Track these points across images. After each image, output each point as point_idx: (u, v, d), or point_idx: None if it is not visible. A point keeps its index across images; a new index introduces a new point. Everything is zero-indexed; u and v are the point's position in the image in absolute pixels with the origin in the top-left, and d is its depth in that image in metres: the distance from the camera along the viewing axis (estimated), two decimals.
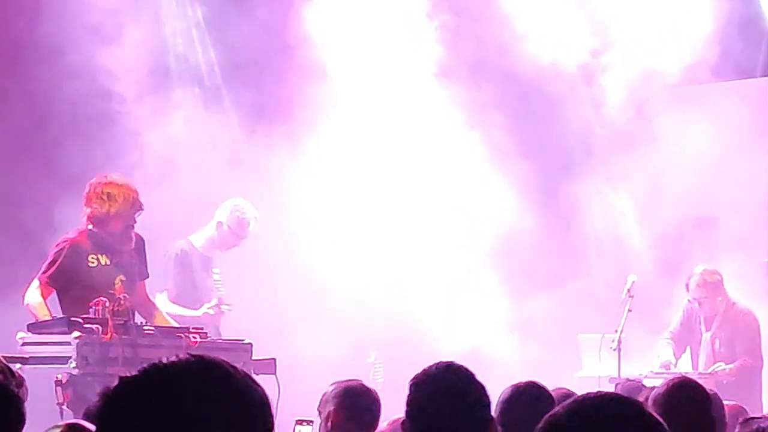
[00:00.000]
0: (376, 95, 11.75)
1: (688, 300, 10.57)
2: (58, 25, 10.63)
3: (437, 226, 11.92)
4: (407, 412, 4.01)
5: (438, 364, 4.09)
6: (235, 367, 2.15)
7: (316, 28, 11.63)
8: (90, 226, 8.35)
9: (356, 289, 11.23)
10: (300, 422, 6.48)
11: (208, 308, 9.80)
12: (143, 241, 8.66)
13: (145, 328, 7.97)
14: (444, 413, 3.93)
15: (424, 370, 4.07)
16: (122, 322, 7.78)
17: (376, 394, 5.87)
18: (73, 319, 7.75)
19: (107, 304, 7.78)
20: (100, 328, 7.66)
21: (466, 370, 4.05)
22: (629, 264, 11.44)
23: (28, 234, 10.37)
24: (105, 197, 8.27)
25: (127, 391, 2.11)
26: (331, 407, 5.75)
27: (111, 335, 7.64)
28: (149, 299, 8.80)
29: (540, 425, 2.70)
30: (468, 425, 3.93)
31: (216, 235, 10.25)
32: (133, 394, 2.11)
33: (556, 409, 2.73)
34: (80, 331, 7.60)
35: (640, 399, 5.47)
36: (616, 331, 9.98)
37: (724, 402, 6.18)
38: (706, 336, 10.56)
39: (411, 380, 4.05)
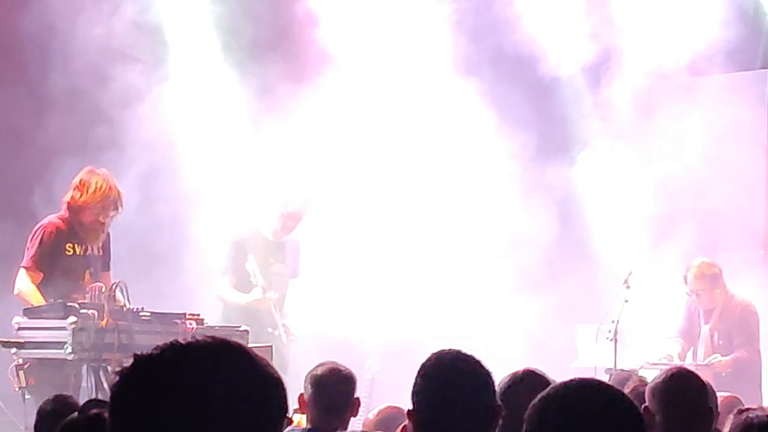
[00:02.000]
0: (381, 82, 11.72)
1: (687, 294, 10.57)
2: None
3: (433, 218, 11.91)
4: (415, 401, 3.99)
5: (446, 351, 4.05)
6: (250, 349, 2.16)
7: (326, 9, 11.59)
8: (67, 214, 8.39)
9: (356, 280, 11.23)
10: (294, 410, 6.48)
11: (258, 294, 9.94)
12: (109, 237, 8.67)
13: (141, 314, 7.97)
14: (454, 401, 3.92)
15: (434, 357, 4.03)
16: (119, 307, 7.78)
17: (347, 378, 5.79)
18: (69, 304, 7.76)
19: (103, 289, 7.79)
20: (96, 313, 7.66)
21: (473, 357, 4.04)
22: (627, 255, 11.43)
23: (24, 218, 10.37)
24: (80, 185, 8.39)
25: (143, 369, 2.10)
26: (303, 394, 5.76)
27: (107, 321, 7.64)
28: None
29: (528, 410, 2.74)
30: (477, 413, 3.92)
31: (276, 221, 10.35)
32: (149, 372, 2.10)
33: (541, 394, 2.77)
34: (76, 317, 7.60)
35: (627, 389, 5.50)
36: (613, 321, 9.98)
37: (720, 393, 6.18)
38: (705, 329, 10.55)
39: (420, 369, 4.01)
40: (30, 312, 7.94)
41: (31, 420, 7.47)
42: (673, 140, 11.51)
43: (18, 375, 7.68)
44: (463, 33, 11.73)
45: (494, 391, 4.03)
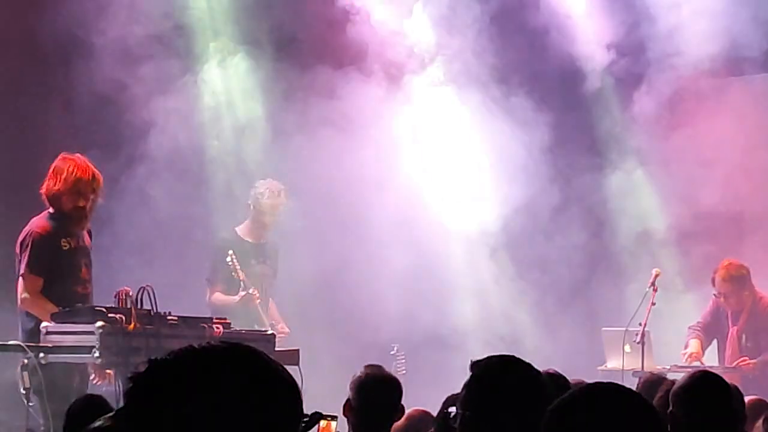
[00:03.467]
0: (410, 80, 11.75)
1: (715, 295, 10.54)
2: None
3: (461, 218, 11.89)
4: (464, 401, 3.97)
5: (502, 356, 4.04)
6: (264, 354, 2.16)
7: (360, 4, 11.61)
8: (51, 208, 8.33)
9: (378, 279, 11.21)
10: (323, 417, 6.44)
11: (244, 293, 10.13)
12: (91, 231, 8.63)
13: (169, 318, 7.96)
14: (507, 407, 3.91)
15: (487, 360, 4.01)
16: (146, 311, 7.79)
17: (391, 383, 5.73)
18: (97, 308, 7.76)
19: (130, 293, 7.79)
20: (124, 318, 7.66)
21: (529, 365, 4.03)
22: (655, 257, 11.39)
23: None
24: (53, 172, 8.30)
25: (157, 373, 2.11)
26: (349, 397, 5.70)
27: (134, 325, 7.64)
28: None
29: (546, 414, 2.75)
30: (527, 414, 3.91)
31: (250, 220, 10.47)
32: (162, 376, 2.10)
33: (560, 399, 2.77)
34: (104, 321, 7.60)
35: (660, 392, 5.47)
36: (640, 324, 9.95)
37: (747, 396, 6.14)
38: (733, 330, 10.51)
39: (473, 371, 3.98)
40: (58, 316, 7.95)
41: (34, 422, 7.52)
42: (701, 140, 11.44)
43: (23, 376, 7.68)
44: (493, 38, 11.71)
45: (545, 392, 4.02)
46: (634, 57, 11.71)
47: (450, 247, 11.85)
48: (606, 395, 2.80)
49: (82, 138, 10.61)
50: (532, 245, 11.75)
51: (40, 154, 10.70)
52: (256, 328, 10.01)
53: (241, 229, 10.61)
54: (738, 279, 10.39)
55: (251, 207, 10.52)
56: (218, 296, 10.35)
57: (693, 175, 11.53)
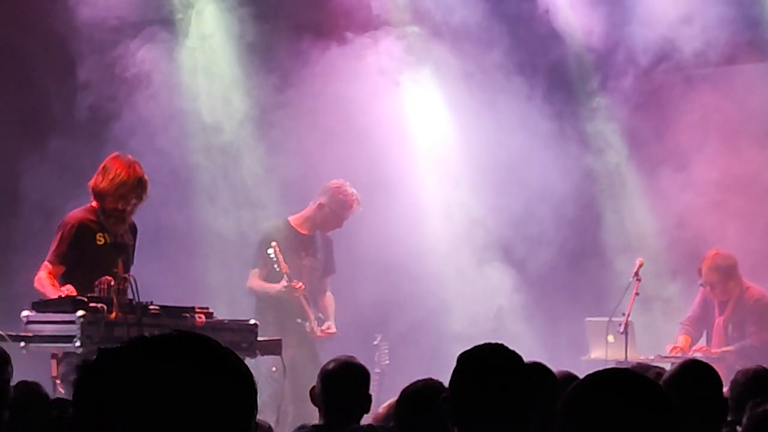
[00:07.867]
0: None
1: (701, 285, 10.54)
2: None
3: (446, 204, 11.87)
4: (452, 387, 4.00)
5: (489, 344, 4.07)
6: (219, 344, 2.10)
7: None
8: (94, 202, 8.34)
9: (359, 269, 11.18)
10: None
11: (285, 284, 10.09)
12: (136, 229, 8.62)
13: (151, 307, 7.93)
14: (490, 393, 3.91)
15: (475, 348, 4.04)
16: (128, 301, 7.75)
17: (356, 373, 5.68)
18: (78, 298, 7.72)
19: (112, 283, 7.75)
20: (105, 307, 7.63)
21: (515, 353, 4.04)
22: (641, 247, 11.38)
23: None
24: (102, 171, 8.30)
25: (106, 362, 2.07)
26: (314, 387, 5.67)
27: (116, 315, 7.61)
28: None
29: (562, 400, 2.71)
30: (512, 408, 3.92)
31: (317, 216, 10.38)
32: (111, 366, 2.06)
33: (574, 384, 2.74)
34: (85, 310, 7.57)
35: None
36: (623, 314, 9.93)
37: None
38: (719, 320, 10.52)
39: (459, 356, 4.04)
40: (39, 306, 7.91)
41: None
42: (694, 130, 11.44)
43: (53, 365, 7.68)
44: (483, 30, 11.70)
45: (532, 383, 4.02)
46: (644, 40, 11.65)
47: (433, 237, 11.81)
48: (621, 380, 2.78)
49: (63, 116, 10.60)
50: (518, 235, 11.71)
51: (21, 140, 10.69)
52: (299, 321, 10.05)
53: (294, 219, 10.52)
54: (725, 269, 10.39)
55: (325, 207, 10.39)
56: (258, 282, 10.29)
57: (685, 164, 11.50)
